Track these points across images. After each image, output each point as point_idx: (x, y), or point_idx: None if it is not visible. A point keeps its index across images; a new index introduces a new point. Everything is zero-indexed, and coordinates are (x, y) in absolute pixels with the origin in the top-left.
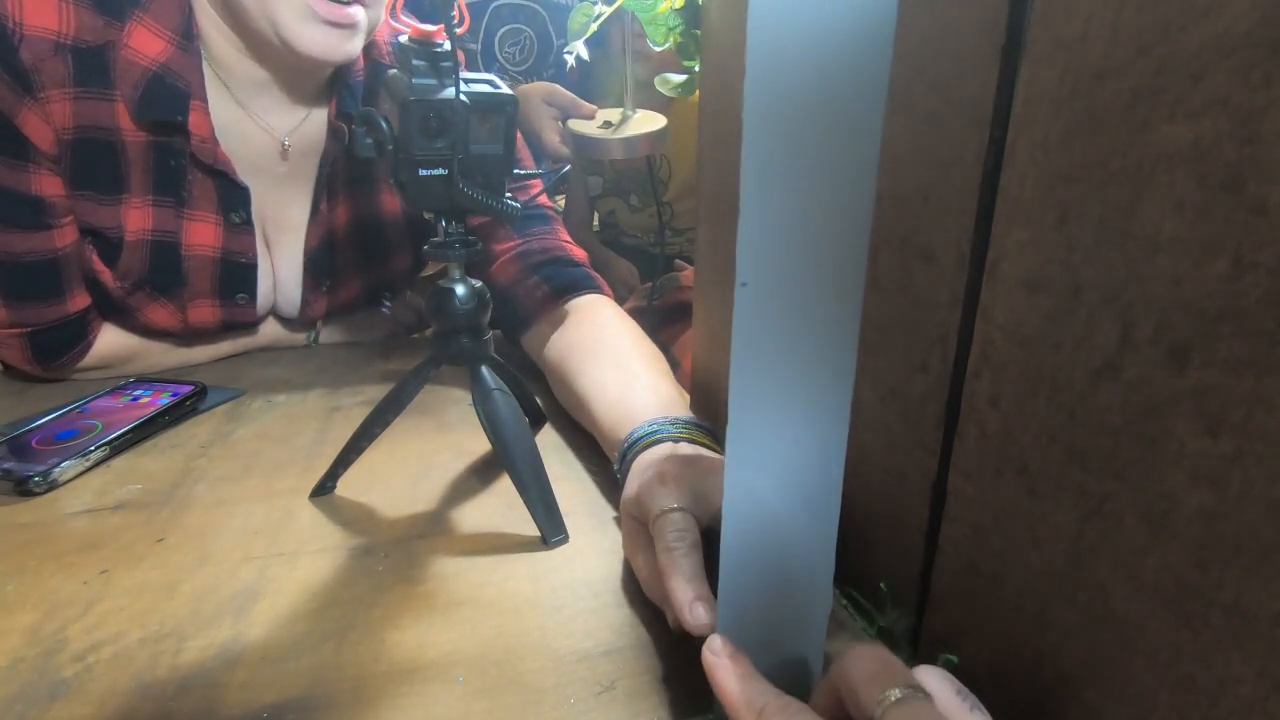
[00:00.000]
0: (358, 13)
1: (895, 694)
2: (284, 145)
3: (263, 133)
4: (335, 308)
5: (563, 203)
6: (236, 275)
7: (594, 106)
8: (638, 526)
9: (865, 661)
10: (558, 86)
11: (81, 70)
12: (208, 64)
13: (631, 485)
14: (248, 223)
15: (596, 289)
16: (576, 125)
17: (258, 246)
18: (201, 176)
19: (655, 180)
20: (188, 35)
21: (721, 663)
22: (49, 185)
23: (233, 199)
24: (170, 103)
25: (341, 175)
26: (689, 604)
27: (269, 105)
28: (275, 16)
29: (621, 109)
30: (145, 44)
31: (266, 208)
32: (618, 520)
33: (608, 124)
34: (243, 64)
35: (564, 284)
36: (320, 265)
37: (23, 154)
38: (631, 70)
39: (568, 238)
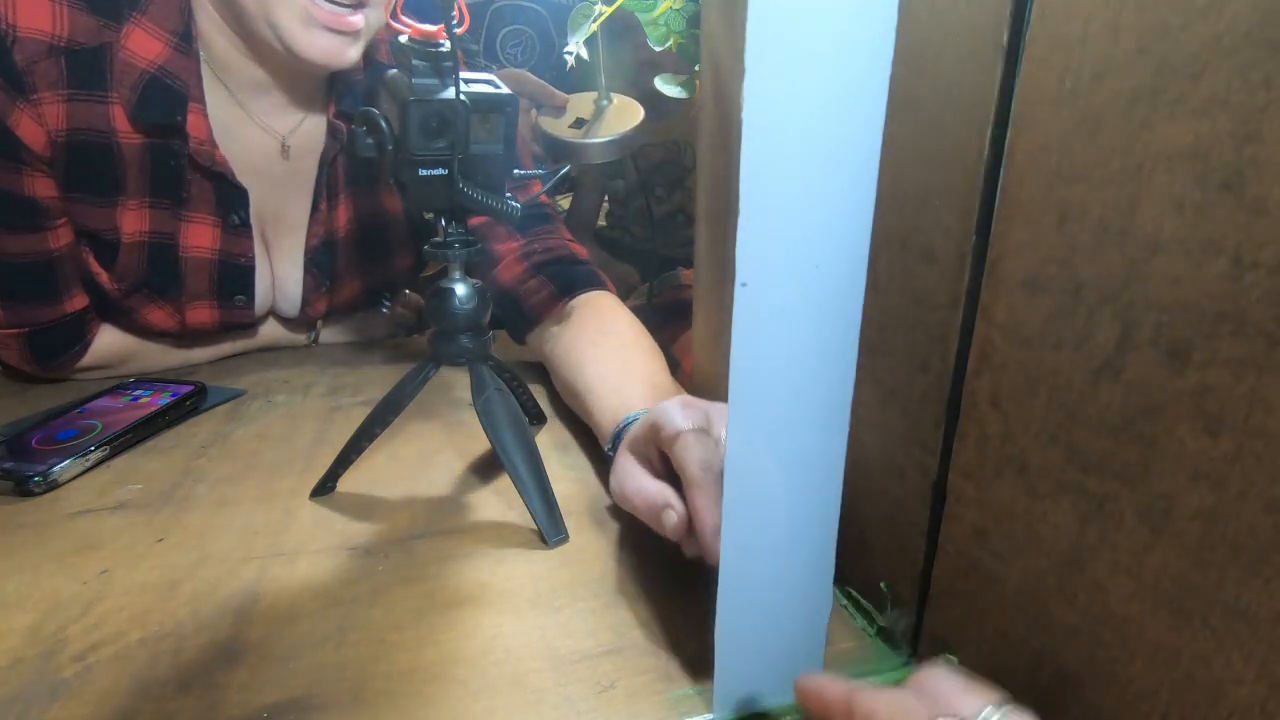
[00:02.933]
0: (359, 19)
1: None
2: (284, 145)
3: (262, 133)
4: (336, 307)
5: (567, 204)
6: (234, 277)
7: (567, 96)
8: (637, 458)
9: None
10: (527, 73)
11: (75, 72)
12: (207, 65)
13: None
14: (246, 224)
15: (601, 285)
16: (548, 124)
17: (256, 247)
18: (199, 178)
19: (678, 168)
20: (186, 37)
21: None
22: (43, 187)
23: (231, 201)
24: (168, 105)
25: (341, 175)
26: (714, 530)
27: (269, 106)
28: (276, 21)
29: (594, 95)
30: (143, 46)
31: (266, 208)
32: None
33: (580, 121)
34: (243, 65)
35: (568, 282)
36: (321, 265)
37: (16, 156)
38: (604, 56)
39: (569, 236)
